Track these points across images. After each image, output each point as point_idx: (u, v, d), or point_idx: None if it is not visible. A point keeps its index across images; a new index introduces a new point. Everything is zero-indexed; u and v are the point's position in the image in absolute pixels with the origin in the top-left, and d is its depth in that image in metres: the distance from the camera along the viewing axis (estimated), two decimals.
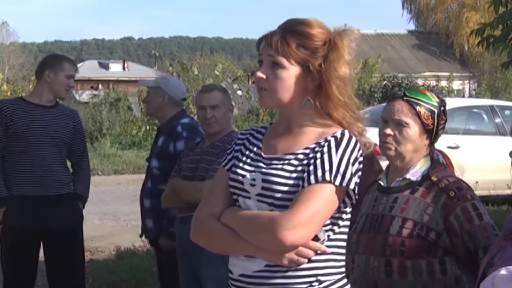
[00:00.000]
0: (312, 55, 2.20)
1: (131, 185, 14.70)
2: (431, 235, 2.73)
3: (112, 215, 10.88)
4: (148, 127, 22.58)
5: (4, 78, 28.75)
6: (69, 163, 5.15)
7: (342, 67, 2.21)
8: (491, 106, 12.19)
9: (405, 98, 2.90)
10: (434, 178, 2.80)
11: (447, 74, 33.07)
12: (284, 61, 2.21)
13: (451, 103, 12.73)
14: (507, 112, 12.25)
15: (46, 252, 4.99)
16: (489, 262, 2.09)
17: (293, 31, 2.22)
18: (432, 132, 2.88)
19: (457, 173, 11.51)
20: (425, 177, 2.82)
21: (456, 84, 33.32)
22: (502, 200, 11.12)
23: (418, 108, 2.86)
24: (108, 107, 25.61)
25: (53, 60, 5.07)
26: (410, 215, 2.75)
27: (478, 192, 10.67)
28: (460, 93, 31.88)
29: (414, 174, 2.86)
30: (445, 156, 3.05)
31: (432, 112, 2.88)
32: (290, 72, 2.21)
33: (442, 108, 2.94)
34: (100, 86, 45.46)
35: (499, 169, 9.74)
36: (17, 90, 23.73)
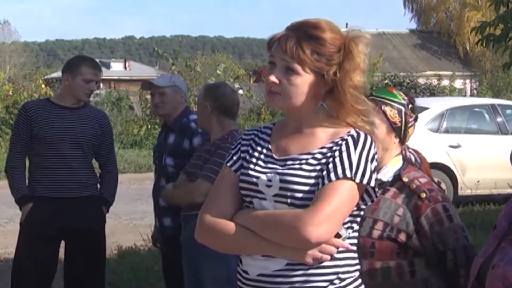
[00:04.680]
0: (327, 63, 2.19)
1: (132, 184, 14.70)
2: (401, 237, 2.72)
3: (114, 214, 10.85)
4: (149, 126, 22.59)
5: (6, 77, 28.79)
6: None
7: (357, 76, 2.21)
8: (493, 105, 12.20)
9: (370, 97, 2.87)
10: (405, 179, 2.78)
11: (448, 73, 33.05)
12: (299, 68, 2.19)
13: (453, 102, 12.75)
14: (508, 111, 12.27)
15: (66, 254, 4.99)
16: (485, 262, 2.09)
17: (308, 36, 2.19)
18: (400, 130, 2.86)
19: (459, 172, 11.57)
20: (397, 177, 2.79)
21: (458, 83, 33.27)
22: (504, 199, 11.11)
23: (383, 106, 2.84)
24: (109, 106, 25.61)
25: (72, 62, 4.97)
26: (381, 216, 2.73)
27: (479, 191, 10.65)
28: (461, 92, 31.85)
29: (385, 174, 2.82)
30: (419, 154, 3.05)
31: (399, 110, 2.86)
32: (304, 79, 2.20)
33: (410, 106, 2.91)
34: (101, 85, 45.43)
35: (500, 168, 9.76)
36: (18, 89, 23.73)
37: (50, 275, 4.93)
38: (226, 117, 4.40)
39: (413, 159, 2.94)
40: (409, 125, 2.90)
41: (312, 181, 2.17)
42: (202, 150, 4.40)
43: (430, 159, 12.00)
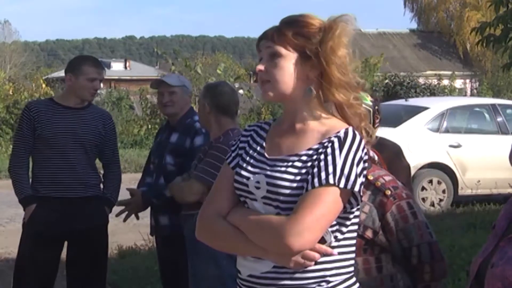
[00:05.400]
0: (308, 41, 2.22)
1: (133, 184, 14.66)
2: (368, 233, 2.77)
3: (114, 214, 10.87)
4: (149, 126, 22.61)
5: (6, 77, 28.77)
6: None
7: (340, 47, 2.22)
8: (493, 105, 12.21)
9: None
10: (370, 177, 2.81)
11: (449, 73, 33.02)
12: (281, 49, 2.23)
13: (453, 102, 12.75)
14: (509, 111, 12.28)
15: (69, 254, 4.99)
16: (484, 262, 2.09)
17: (289, 22, 2.26)
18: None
19: (459, 172, 11.57)
20: None
21: (458, 83, 33.24)
22: (504, 199, 11.10)
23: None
24: (110, 106, 25.61)
25: (74, 62, 4.97)
26: None
27: (479, 191, 10.62)
28: (462, 92, 31.83)
29: None
30: (378, 154, 3.07)
31: (367, 111, 2.89)
32: (289, 60, 2.23)
33: (376, 107, 2.95)
34: (101, 85, 45.30)
35: (500, 168, 9.76)
36: (19, 89, 23.73)
37: (52, 276, 4.94)
38: (224, 116, 4.40)
39: (376, 158, 2.96)
40: (376, 125, 2.93)
41: (296, 184, 2.17)
42: (201, 151, 4.43)
43: (430, 159, 12.08)
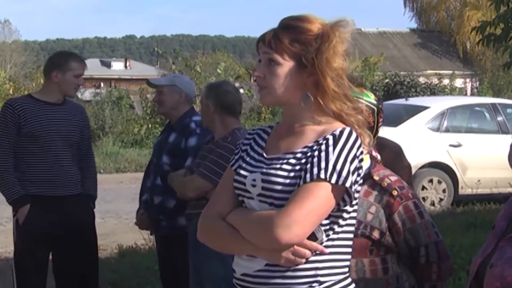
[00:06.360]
0: (304, 49, 2.21)
1: (133, 183, 14.69)
2: (375, 234, 2.75)
3: (114, 214, 10.87)
4: (150, 125, 22.61)
5: (6, 76, 28.77)
6: None
7: (336, 58, 2.21)
8: (493, 104, 12.21)
9: None
10: (376, 177, 2.80)
11: (449, 72, 33.02)
12: (278, 57, 2.23)
13: (454, 101, 12.75)
14: (509, 110, 12.28)
15: (57, 252, 4.96)
16: (483, 262, 2.09)
17: (287, 27, 2.24)
18: (373, 129, 2.87)
19: (459, 171, 11.57)
20: (367, 176, 2.79)
21: (458, 82, 33.21)
22: (504, 198, 11.09)
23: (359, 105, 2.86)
24: (110, 105, 25.59)
25: (60, 59, 4.95)
26: None
27: (480, 190, 10.64)
28: (462, 91, 31.81)
29: None
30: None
31: (372, 109, 2.88)
32: (285, 68, 2.23)
33: (380, 106, 2.94)
34: (102, 84, 45.37)
35: (501, 167, 9.74)
36: (19, 88, 23.75)
37: (45, 273, 4.94)
38: (229, 116, 4.40)
39: (379, 158, 2.96)
40: (379, 124, 2.92)
41: (290, 181, 2.17)
42: (205, 149, 4.42)
43: (430, 158, 12.08)
